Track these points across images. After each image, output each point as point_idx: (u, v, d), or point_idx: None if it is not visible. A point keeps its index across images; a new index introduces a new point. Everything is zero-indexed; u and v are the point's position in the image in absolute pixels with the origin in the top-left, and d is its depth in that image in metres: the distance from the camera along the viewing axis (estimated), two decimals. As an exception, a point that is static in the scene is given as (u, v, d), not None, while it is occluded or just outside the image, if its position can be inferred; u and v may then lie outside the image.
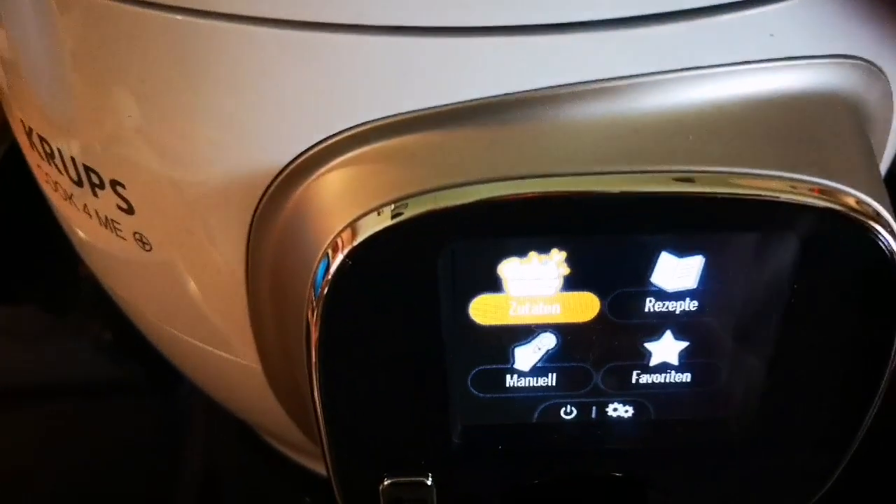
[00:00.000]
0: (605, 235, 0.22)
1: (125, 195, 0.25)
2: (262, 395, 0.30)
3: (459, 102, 0.21)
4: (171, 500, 0.44)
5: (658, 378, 0.24)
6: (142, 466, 0.45)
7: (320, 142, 0.21)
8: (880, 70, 0.24)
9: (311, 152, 0.21)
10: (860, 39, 0.23)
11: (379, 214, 0.20)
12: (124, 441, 0.47)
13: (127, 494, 0.44)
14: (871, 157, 0.24)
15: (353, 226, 0.21)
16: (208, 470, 0.46)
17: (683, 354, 0.24)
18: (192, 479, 0.45)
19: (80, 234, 0.30)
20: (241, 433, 0.47)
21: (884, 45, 0.24)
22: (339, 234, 0.21)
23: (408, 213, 0.20)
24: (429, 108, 0.21)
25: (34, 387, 0.51)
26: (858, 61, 0.23)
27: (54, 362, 0.53)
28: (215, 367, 0.31)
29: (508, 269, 0.22)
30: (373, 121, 0.21)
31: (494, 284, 0.22)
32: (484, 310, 0.23)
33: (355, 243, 0.20)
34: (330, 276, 0.21)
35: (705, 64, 0.20)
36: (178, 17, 0.20)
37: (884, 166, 0.30)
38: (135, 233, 0.26)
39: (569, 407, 0.25)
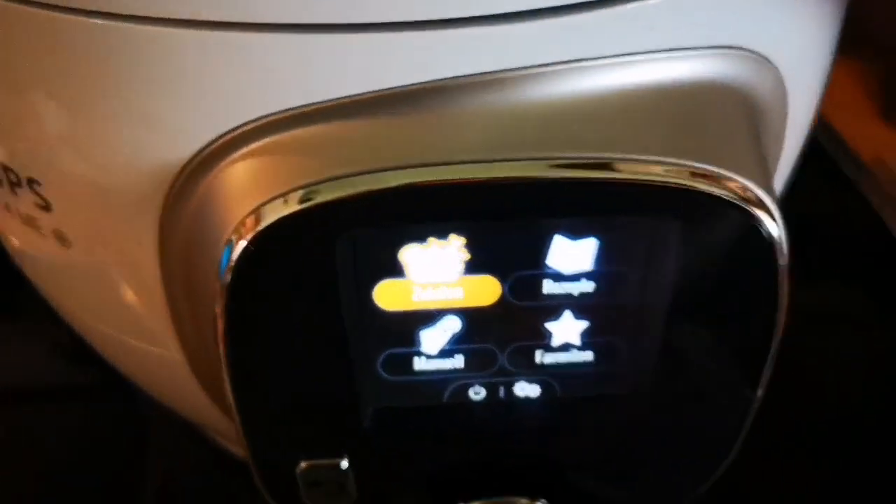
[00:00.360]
0: (500, 221, 0.23)
1: (42, 192, 0.25)
2: (190, 386, 0.31)
3: (357, 95, 0.22)
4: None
5: (561, 357, 0.25)
6: (100, 471, 0.45)
7: (223, 134, 0.22)
8: (768, 60, 0.25)
9: (215, 144, 0.22)
10: (747, 31, 0.24)
11: (286, 202, 0.21)
12: (82, 446, 0.47)
13: (85, 499, 0.44)
14: (758, 146, 0.25)
15: (256, 212, 0.21)
16: (166, 473, 0.46)
17: (584, 334, 0.25)
18: (151, 484, 0.45)
19: (5, 233, 0.30)
20: (198, 437, 0.47)
21: (773, 36, 0.25)
22: (242, 221, 0.21)
23: (311, 201, 0.21)
24: (328, 100, 0.22)
25: None
26: (746, 52, 0.24)
27: (10, 367, 0.53)
28: (143, 361, 0.32)
29: (409, 254, 0.23)
30: (273, 113, 0.22)
31: (397, 270, 0.23)
32: (388, 295, 0.24)
33: (258, 229, 0.21)
34: (233, 263, 0.22)
35: (588, 56, 0.22)
36: (82, 19, 0.21)
37: (788, 158, 0.32)
38: (54, 230, 0.26)
39: (477, 387, 0.26)
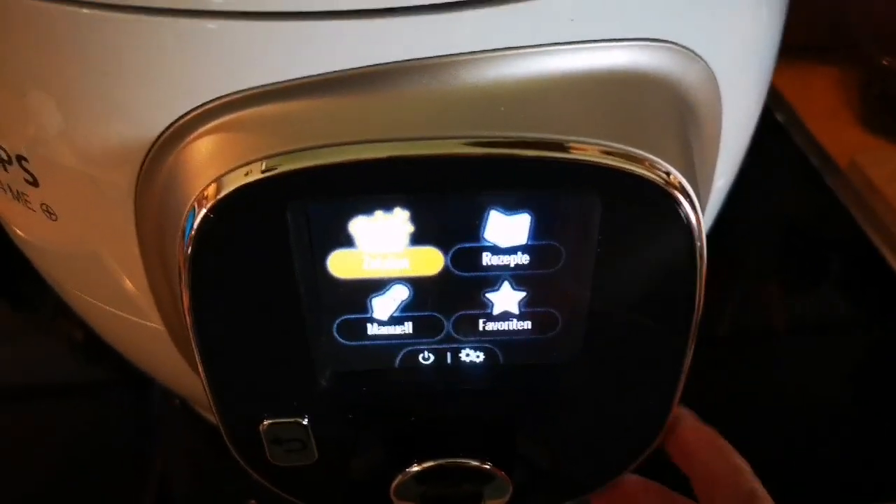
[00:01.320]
0: (440, 195, 0.25)
1: (29, 168, 0.28)
2: (172, 356, 0.33)
3: (308, 77, 0.24)
4: (137, 499, 0.46)
5: (502, 325, 0.27)
6: (111, 465, 0.47)
7: (186, 113, 0.24)
8: (696, 55, 0.27)
9: (178, 122, 0.24)
10: (673, 25, 0.26)
11: (244, 174, 0.23)
12: (94, 440, 0.49)
13: (95, 492, 0.46)
14: (683, 134, 0.27)
15: (217, 182, 0.23)
16: (177, 468, 0.48)
17: (522, 304, 0.27)
18: (161, 477, 0.47)
19: (0, 209, 0.33)
20: (211, 431, 0.49)
21: (700, 31, 0.27)
22: (203, 192, 0.24)
23: (266, 173, 0.23)
24: (281, 81, 0.24)
25: (4, 386, 0.53)
26: (673, 45, 0.26)
27: (25, 361, 0.55)
28: (129, 331, 0.34)
29: (358, 226, 0.25)
30: (232, 94, 0.24)
31: (348, 240, 0.25)
32: (341, 264, 0.26)
33: (218, 198, 0.23)
34: (195, 231, 0.24)
35: (517, 45, 0.24)
36: (55, 5, 0.23)
37: (732, 154, 0.34)
38: (41, 204, 0.29)
39: (426, 353, 0.28)
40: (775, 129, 0.68)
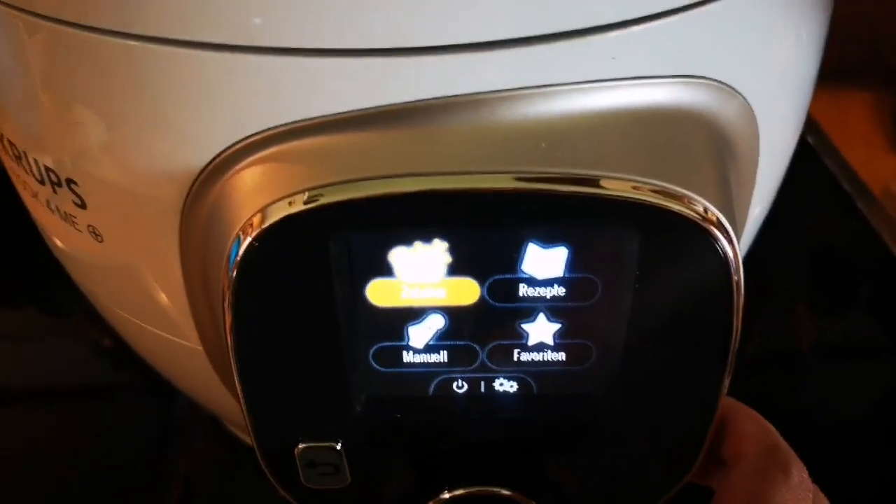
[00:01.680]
0: (478, 228, 0.25)
1: (78, 192, 0.28)
2: (207, 375, 0.34)
3: (353, 112, 0.24)
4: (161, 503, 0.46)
5: (536, 356, 0.28)
6: (134, 469, 0.48)
7: (235, 143, 0.25)
8: (735, 90, 0.27)
9: (227, 152, 0.25)
10: (711, 62, 0.26)
11: (288, 203, 0.24)
12: (118, 444, 0.49)
13: (118, 496, 0.47)
14: (721, 169, 0.27)
15: (262, 212, 0.24)
16: (198, 475, 0.49)
17: (557, 335, 0.27)
18: (184, 485, 0.48)
19: (47, 229, 0.33)
20: (232, 439, 0.49)
21: (738, 67, 0.27)
22: (249, 220, 0.24)
23: (310, 204, 0.24)
24: (327, 115, 0.24)
25: (33, 388, 0.54)
26: (711, 82, 0.27)
27: (53, 365, 0.56)
28: (166, 350, 0.35)
29: (398, 256, 0.26)
30: (280, 126, 0.24)
31: (387, 269, 0.26)
32: (379, 292, 0.26)
33: (263, 227, 0.24)
34: (240, 258, 0.24)
35: (558, 82, 0.24)
36: (118, 40, 0.24)
37: (767, 186, 0.34)
38: (88, 225, 0.30)
39: (460, 381, 0.28)
40: (808, 153, 0.68)
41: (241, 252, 0.24)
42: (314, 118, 0.24)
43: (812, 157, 0.68)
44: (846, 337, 0.59)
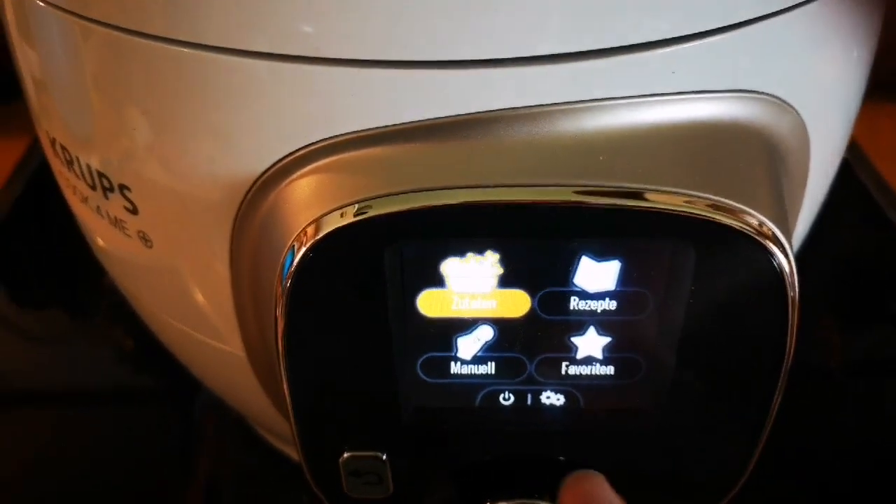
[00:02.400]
0: (531, 240, 0.25)
1: (131, 198, 0.29)
2: (249, 382, 0.34)
3: (408, 123, 0.24)
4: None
5: (585, 370, 0.28)
6: (154, 472, 0.48)
7: (290, 153, 0.25)
8: (789, 105, 0.27)
9: (282, 162, 0.25)
10: (767, 77, 0.26)
11: (343, 214, 0.24)
12: (139, 447, 0.49)
13: (138, 498, 0.47)
14: (776, 184, 0.27)
15: (316, 223, 0.24)
16: (220, 477, 0.49)
17: (606, 349, 0.27)
18: (205, 487, 0.48)
19: (94, 233, 0.34)
20: (253, 441, 0.50)
21: (792, 82, 0.27)
22: (304, 230, 0.24)
23: (364, 215, 0.24)
24: (382, 126, 0.24)
25: (54, 389, 0.54)
26: (766, 97, 0.26)
27: (76, 366, 0.56)
28: (209, 356, 0.35)
29: (450, 267, 0.26)
30: (335, 136, 0.25)
31: (439, 280, 0.26)
32: (430, 303, 0.26)
33: (317, 238, 0.24)
34: (294, 268, 0.24)
35: (615, 96, 0.24)
36: (175, 48, 0.24)
37: (814, 199, 0.34)
38: (139, 231, 0.30)
39: (507, 393, 0.28)
40: (840, 165, 0.67)
41: (295, 262, 0.24)
42: (368, 129, 0.24)
43: (844, 168, 0.67)
44: (875, 350, 0.59)
